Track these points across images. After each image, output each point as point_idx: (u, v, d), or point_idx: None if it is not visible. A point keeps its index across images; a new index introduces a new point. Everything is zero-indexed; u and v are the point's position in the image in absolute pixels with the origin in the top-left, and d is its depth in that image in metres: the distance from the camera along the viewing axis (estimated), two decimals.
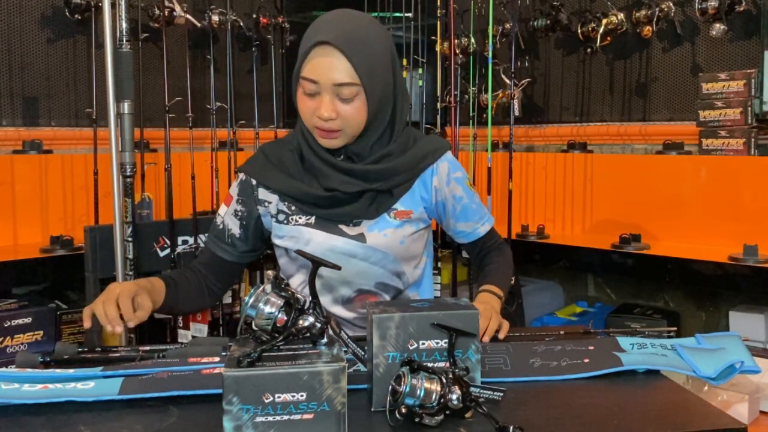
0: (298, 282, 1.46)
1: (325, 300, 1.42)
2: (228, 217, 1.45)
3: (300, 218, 1.40)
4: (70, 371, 1.05)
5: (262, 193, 1.44)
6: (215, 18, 2.58)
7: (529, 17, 2.75)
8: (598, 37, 2.51)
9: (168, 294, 1.35)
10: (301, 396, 0.83)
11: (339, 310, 1.42)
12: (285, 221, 1.41)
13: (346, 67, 1.25)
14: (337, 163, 1.36)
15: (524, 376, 1.08)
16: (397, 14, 2.58)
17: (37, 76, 2.49)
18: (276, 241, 1.44)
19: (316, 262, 0.99)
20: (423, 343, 0.96)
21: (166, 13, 2.44)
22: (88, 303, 1.75)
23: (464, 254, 2.48)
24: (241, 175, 1.47)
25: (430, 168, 1.43)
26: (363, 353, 1.05)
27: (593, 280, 2.87)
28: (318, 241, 1.37)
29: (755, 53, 2.29)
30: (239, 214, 1.44)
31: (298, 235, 1.39)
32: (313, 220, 1.40)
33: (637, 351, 1.15)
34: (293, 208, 1.41)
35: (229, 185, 1.72)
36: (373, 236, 1.38)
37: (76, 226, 2.33)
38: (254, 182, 1.44)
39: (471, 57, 2.71)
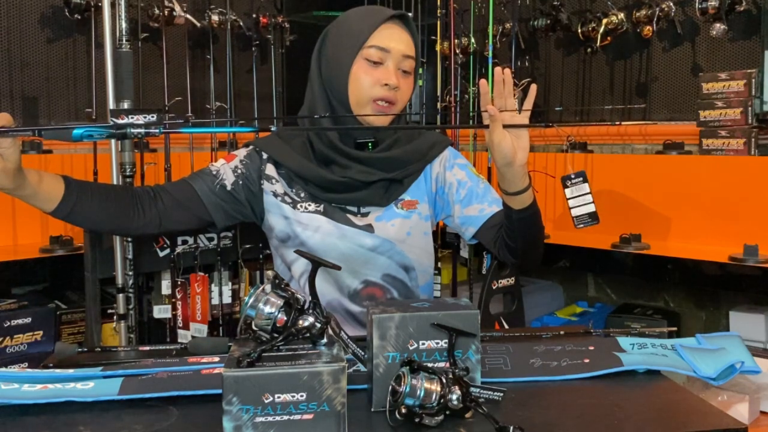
0: (300, 270, 1.42)
1: (331, 292, 1.40)
2: (225, 168, 1.41)
3: (309, 205, 1.39)
4: (70, 371, 1.05)
5: (270, 169, 1.42)
6: (215, 18, 2.57)
7: (529, 17, 2.75)
8: (598, 37, 2.51)
9: (71, 186, 1.23)
10: (301, 396, 0.83)
11: (346, 303, 1.41)
12: (292, 206, 1.40)
13: (412, 42, 1.38)
14: (351, 153, 1.36)
15: (524, 377, 1.08)
16: None
17: (37, 76, 2.49)
18: (279, 224, 1.40)
19: (316, 262, 0.99)
20: (423, 343, 0.96)
21: (166, 12, 2.44)
22: (88, 303, 1.76)
23: (463, 254, 2.49)
24: (251, 147, 1.44)
25: (435, 158, 1.46)
26: (363, 353, 1.05)
27: (593, 280, 2.87)
28: (327, 229, 1.37)
29: (755, 53, 2.29)
30: (238, 171, 1.41)
31: (306, 221, 1.38)
32: (322, 207, 1.39)
33: (637, 351, 1.15)
34: (302, 194, 1.40)
35: None
36: (380, 226, 1.39)
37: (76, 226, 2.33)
38: (264, 156, 1.42)
39: (471, 57, 2.71)
